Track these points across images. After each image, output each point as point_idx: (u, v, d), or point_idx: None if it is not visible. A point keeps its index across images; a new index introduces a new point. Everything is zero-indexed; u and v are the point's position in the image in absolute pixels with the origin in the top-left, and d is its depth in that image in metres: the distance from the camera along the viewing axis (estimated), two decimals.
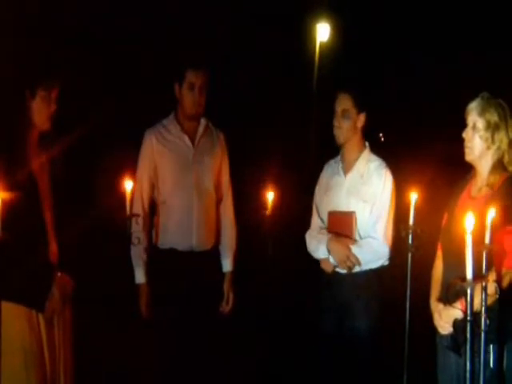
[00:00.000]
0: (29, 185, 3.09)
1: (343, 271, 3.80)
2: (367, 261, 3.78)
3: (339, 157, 3.99)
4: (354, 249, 3.76)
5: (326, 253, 3.81)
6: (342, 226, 3.83)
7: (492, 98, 3.11)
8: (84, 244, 3.33)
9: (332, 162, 4.04)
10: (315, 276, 3.96)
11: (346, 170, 3.91)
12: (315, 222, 4.00)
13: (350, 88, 3.90)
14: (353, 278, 3.79)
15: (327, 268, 3.84)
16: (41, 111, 3.19)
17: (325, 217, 3.93)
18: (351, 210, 3.82)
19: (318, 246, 3.85)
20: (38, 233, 3.12)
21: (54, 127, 3.27)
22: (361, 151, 3.92)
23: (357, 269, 3.78)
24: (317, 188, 4.05)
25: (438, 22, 20.65)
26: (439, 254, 3.25)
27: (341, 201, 3.87)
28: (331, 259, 3.80)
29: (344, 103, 3.84)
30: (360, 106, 3.84)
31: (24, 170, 3.08)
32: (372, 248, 3.78)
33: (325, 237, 3.84)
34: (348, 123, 3.83)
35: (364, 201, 3.82)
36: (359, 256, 3.75)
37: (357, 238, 3.80)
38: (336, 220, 3.86)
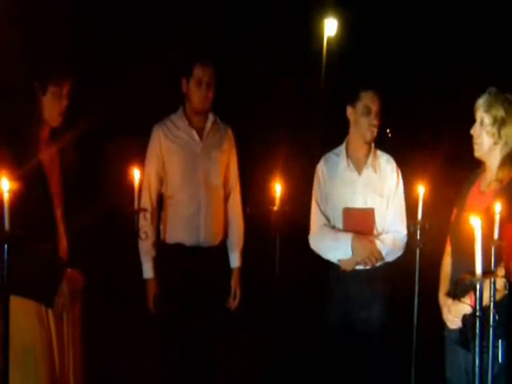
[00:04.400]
0: (39, 181, 3.11)
1: (360, 267, 3.77)
2: (388, 254, 3.78)
3: (341, 151, 3.92)
4: (379, 244, 3.75)
5: (349, 253, 3.73)
6: (362, 223, 3.80)
7: (499, 92, 3.08)
8: (93, 239, 3.33)
9: (332, 155, 3.95)
10: (324, 271, 3.94)
11: (359, 166, 3.88)
12: (319, 220, 3.89)
13: (377, 87, 3.91)
14: (366, 272, 3.77)
15: (348, 267, 3.77)
16: (52, 107, 3.18)
17: (333, 213, 3.86)
18: (368, 205, 3.81)
19: (337, 245, 3.77)
20: (47, 228, 3.12)
21: (66, 123, 3.27)
22: (369, 147, 3.91)
23: None
24: (316, 183, 3.93)
25: (447, 16, 20.56)
26: (448, 249, 3.24)
27: (356, 197, 3.82)
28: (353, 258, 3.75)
29: (379, 103, 3.84)
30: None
31: (35, 167, 3.09)
32: (395, 242, 3.78)
33: (341, 235, 3.77)
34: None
35: (381, 195, 3.82)
36: (383, 251, 3.75)
37: (375, 233, 3.80)
38: (355, 217, 3.81)
